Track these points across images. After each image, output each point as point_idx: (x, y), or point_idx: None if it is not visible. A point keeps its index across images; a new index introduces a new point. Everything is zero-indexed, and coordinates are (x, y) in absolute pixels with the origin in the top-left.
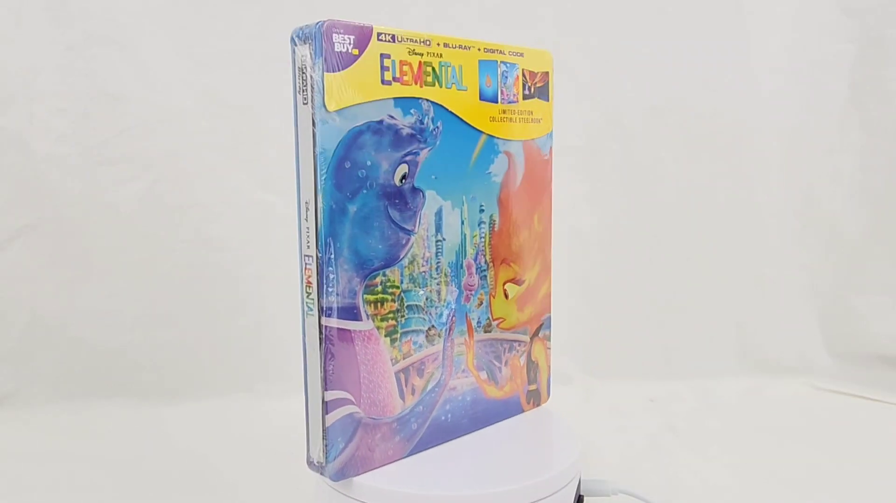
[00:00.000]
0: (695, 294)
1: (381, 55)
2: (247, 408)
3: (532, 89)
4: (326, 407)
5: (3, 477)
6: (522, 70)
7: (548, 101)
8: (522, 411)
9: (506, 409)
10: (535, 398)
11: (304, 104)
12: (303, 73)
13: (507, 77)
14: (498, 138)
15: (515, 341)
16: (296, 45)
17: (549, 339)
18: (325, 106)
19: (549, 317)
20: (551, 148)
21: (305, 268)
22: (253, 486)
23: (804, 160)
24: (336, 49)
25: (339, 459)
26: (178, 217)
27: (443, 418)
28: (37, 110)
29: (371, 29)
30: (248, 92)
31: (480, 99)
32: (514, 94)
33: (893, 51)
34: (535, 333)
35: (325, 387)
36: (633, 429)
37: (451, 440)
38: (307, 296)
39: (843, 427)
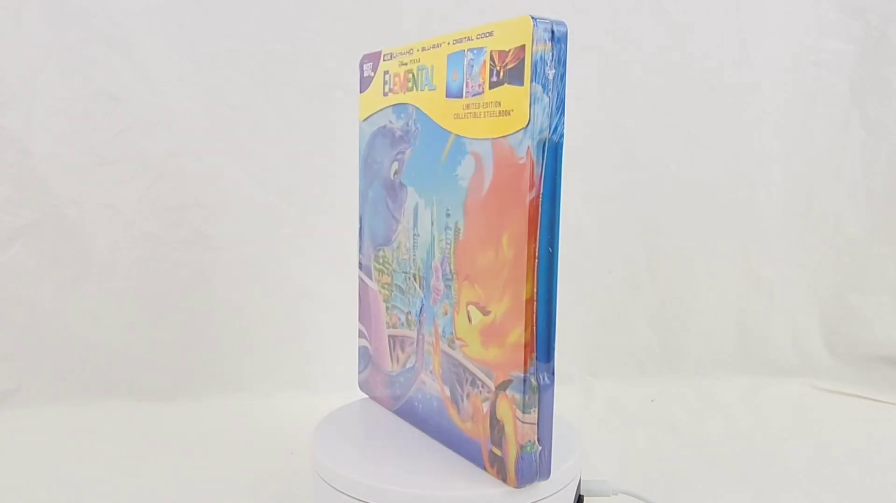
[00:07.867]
0: (695, 294)
1: (384, 72)
2: (247, 408)
3: (501, 74)
4: (359, 333)
5: (4, 476)
6: (490, 52)
7: (522, 84)
8: (485, 469)
9: (468, 451)
10: (501, 468)
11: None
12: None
13: (472, 66)
14: (465, 137)
15: (479, 379)
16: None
17: (521, 409)
18: (359, 118)
19: (523, 380)
20: (529, 148)
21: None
22: (252, 486)
23: (805, 160)
24: (364, 75)
25: (362, 375)
26: (178, 217)
27: (416, 404)
28: (37, 110)
29: (380, 53)
30: (248, 92)
31: (447, 96)
32: (480, 84)
33: (894, 50)
34: (502, 387)
35: (359, 319)
36: (633, 429)
37: (424, 430)
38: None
39: (843, 427)
